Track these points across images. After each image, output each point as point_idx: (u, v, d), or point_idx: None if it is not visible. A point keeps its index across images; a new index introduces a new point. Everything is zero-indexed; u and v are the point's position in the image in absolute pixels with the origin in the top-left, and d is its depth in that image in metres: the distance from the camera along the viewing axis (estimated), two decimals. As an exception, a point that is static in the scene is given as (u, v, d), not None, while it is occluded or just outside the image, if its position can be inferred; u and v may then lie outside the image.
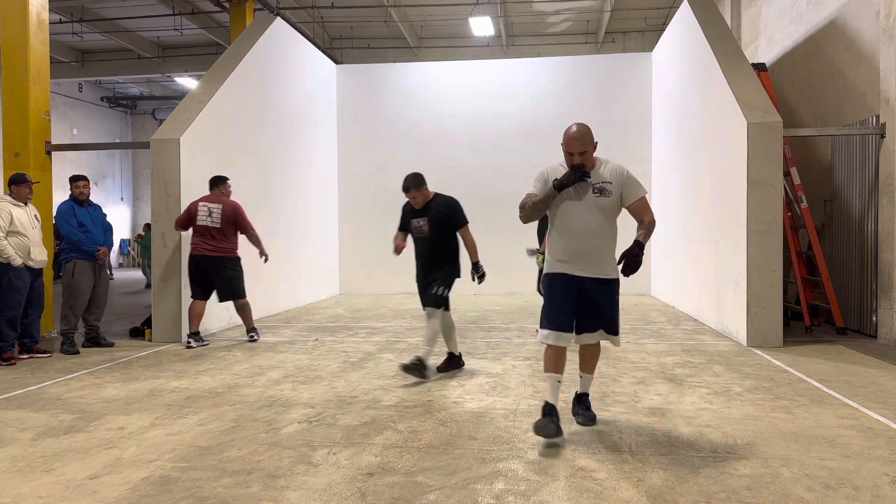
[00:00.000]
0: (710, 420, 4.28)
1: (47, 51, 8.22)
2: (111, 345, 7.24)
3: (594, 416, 4.24)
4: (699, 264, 8.84)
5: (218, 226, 7.18)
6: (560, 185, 3.82)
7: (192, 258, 7.24)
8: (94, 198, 7.84)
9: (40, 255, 6.63)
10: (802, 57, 9.61)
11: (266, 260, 7.64)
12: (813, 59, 9.27)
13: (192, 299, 7.29)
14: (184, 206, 7.52)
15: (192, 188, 7.75)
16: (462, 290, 12.70)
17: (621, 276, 3.94)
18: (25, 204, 6.67)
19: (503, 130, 12.94)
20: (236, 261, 7.38)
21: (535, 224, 7.73)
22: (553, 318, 3.90)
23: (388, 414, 4.49)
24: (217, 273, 7.22)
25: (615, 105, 12.64)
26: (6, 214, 6.38)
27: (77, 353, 6.85)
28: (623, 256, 3.81)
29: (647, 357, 6.40)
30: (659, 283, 11.78)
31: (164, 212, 7.59)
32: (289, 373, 5.84)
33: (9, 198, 6.59)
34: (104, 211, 7.64)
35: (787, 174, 8.08)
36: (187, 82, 19.68)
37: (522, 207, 3.97)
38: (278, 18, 10.76)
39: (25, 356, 6.62)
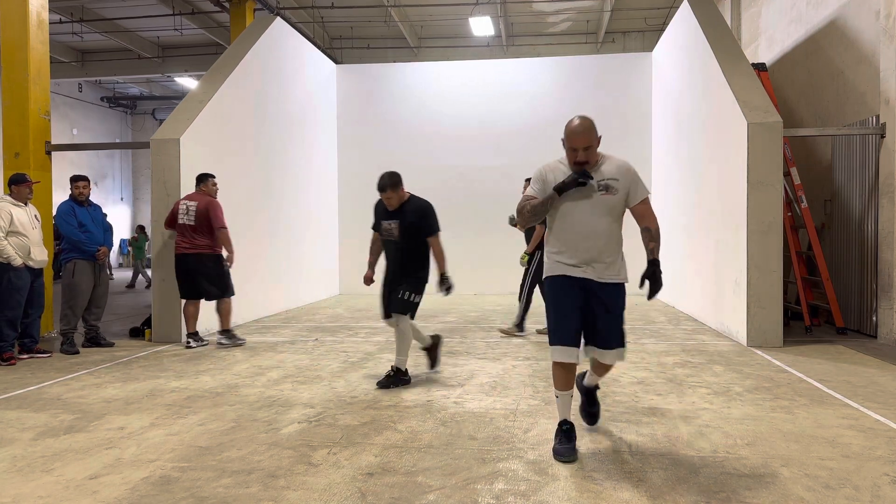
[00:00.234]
0: (710, 420, 4.28)
1: (47, 51, 8.22)
2: (111, 345, 7.24)
3: (598, 408, 4.13)
4: (699, 264, 8.84)
5: (193, 223, 7.06)
6: (561, 188, 3.56)
7: (175, 257, 7.21)
8: (94, 198, 7.84)
9: (40, 255, 6.63)
10: (802, 57, 9.61)
11: (230, 264, 7.30)
12: (813, 59, 9.27)
13: (183, 300, 7.28)
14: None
15: (192, 188, 7.75)
16: (462, 290, 12.76)
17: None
18: (25, 204, 6.67)
19: (503, 130, 12.95)
20: (215, 258, 7.16)
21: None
22: (556, 328, 3.65)
23: (388, 414, 4.49)
24: (197, 271, 7.11)
25: (615, 105, 12.64)
26: (6, 214, 6.38)
27: (77, 353, 6.85)
28: (644, 279, 3.55)
29: (647, 357, 6.40)
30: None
31: (165, 212, 7.58)
32: (289, 373, 5.84)
33: (9, 198, 6.59)
34: (104, 211, 7.64)
35: (787, 174, 8.08)
36: (187, 82, 19.68)
37: (520, 212, 3.71)
38: (278, 18, 10.76)
39: (25, 356, 6.62)
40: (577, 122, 3.62)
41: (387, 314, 5.40)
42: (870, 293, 7.57)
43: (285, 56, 10.92)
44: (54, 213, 7.51)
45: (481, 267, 12.59)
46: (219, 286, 7.22)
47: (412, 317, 5.38)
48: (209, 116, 8.31)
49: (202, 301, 7.29)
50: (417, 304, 5.36)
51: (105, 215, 7.50)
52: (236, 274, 8.83)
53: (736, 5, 12.30)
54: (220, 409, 4.65)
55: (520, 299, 7.80)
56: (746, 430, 4.07)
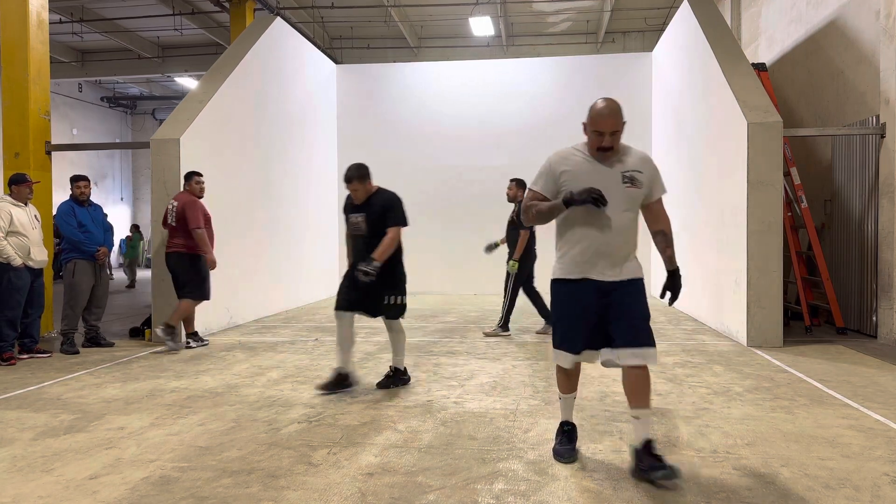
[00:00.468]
0: (710, 420, 4.28)
1: (47, 51, 8.22)
2: (111, 345, 7.24)
3: (676, 468, 3.18)
4: (699, 264, 8.84)
5: (174, 223, 7.02)
6: (569, 202, 3.22)
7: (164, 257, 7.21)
8: (94, 198, 7.83)
9: (40, 255, 6.63)
10: (802, 57, 9.61)
11: (212, 266, 7.11)
12: (813, 59, 9.27)
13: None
14: (183, 207, 7.55)
15: (192, 188, 7.76)
16: (462, 290, 12.75)
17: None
18: (25, 204, 6.67)
19: (503, 130, 12.95)
20: (189, 258, 6.99)
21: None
22: (564, 337, 3.41)
23: (388, 414, 4.49)
24: (174, 270, 7.07)
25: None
26: (6, 214, 6.38)
27: (77, 353, 6.85)
28: (666, 290, 3.42)
29: (647, 357, 6.39)
30: (659, 283, 11.77)
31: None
32: (289, 373, 5.84)
33: (9, 198, 6.60)
34: (104, 211, 7.64)
35: (787, 174, 8.09)
36: (187, 82, 19.68)
37: (526, 212, 3.42)
38: (278, 18, 10.76)
39: (25, 356, 6.62)
40: (603, 103, 3.29)
41: (346, 307, 5.11)
42: (870, 293, 7.57)
43: (285, 56, 10.92)
44: (54, 213, 7.51)
45: (481, 267, 12.55)
46: (190, 286, 7.04)
47: (403, 316, 5.30)
48: (209, 116, 8.31)
49: (204, 301, 7.27)
50: (406, 304, 5.26)
51: (106, 215, 7.50)
52: (237, 274, 8.85)
53: (736, 5, 12.30)
54: (220, 409, 4.65)
55: (504, 299, 7.79)
56: (746, 430, 4.07)
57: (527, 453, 3.68)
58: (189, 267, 7.02)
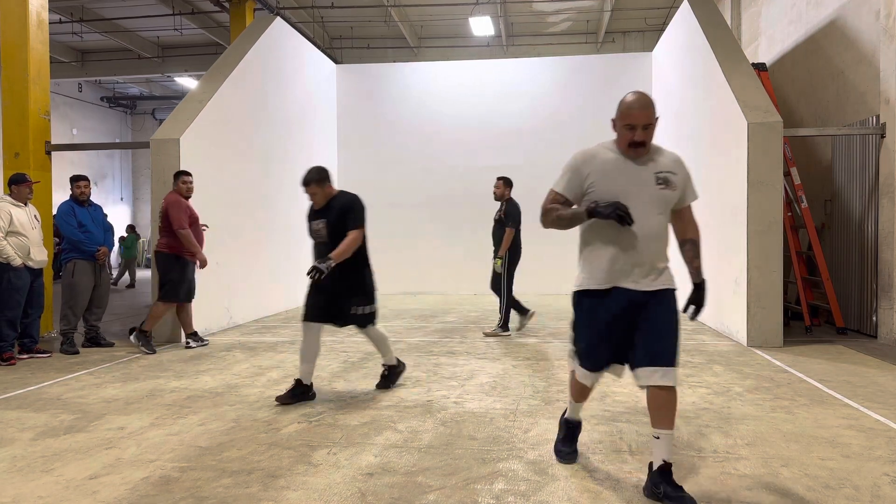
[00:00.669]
0: (710, 420, 4.28)
1: (47, 51, 8.22)
2: (111, 345, 7.24)
3: (693, 500, 2.93)
4: (699, 264, 8.83)
5: (160, 223, 7.02)
6: (594, 213, 2.96)
7: None
8: (94, 198, 7.82)
9: (40, 255, 6.63)
10: (802, 57, 9.61)
11: (202, 265, 7.04)
12: (813, 59, 9.27)
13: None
14: (183, 206, 7.54)
15: (193, 188, 7.74)
16: (462, 290, 12.75)
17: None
18: (25, 204, 6.67)
19: (503, 130, 12.95)
20: (173, 259, 6.90)
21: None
22: (587, 354, 3.18)
23: (388, 414, 4.49)
24: (157, 270, 7.04)
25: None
26: (6, 214, 6.38)
27: (77, 353, 6.85)
28: (690, 303, 3.14)
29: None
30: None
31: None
32: (289, 373, 5.84)
33: (9, 198, 6.59)
34: (104, 211, 7.64)
35: (787, 174, 8.08)
36: (187, 82, 19.67)
37: (545, 214, 3.16)
38: (278, 18, 10.76)
39: (25, 356, 6.62)
40: (634, 95, 3.07)
41: (314, 318, 4.86)
42: (870, 293, 7.57)
43: (285, 56, 10.92)
44: (54, 213, 7.51)
45: (481, 267, 12.55)
46: (165, 287, 6.93)
47: (374, 324, 5.10)
48: (209, 116, 8.31)
49: (179, 303, 7.15)
50: (376, 311, 5.07)
51: (106, 215, 7.50)
52: (237, 274, 8.85)
53: (736, 5, 12.30)
54: (220, 409, 4.64)
55: (500, 301, 7.78)
56: (746, 430, 4.07)
57: (527, 453, 3.67)
58: (169, 268, 6.92)
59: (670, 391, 3.01)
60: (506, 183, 7.79)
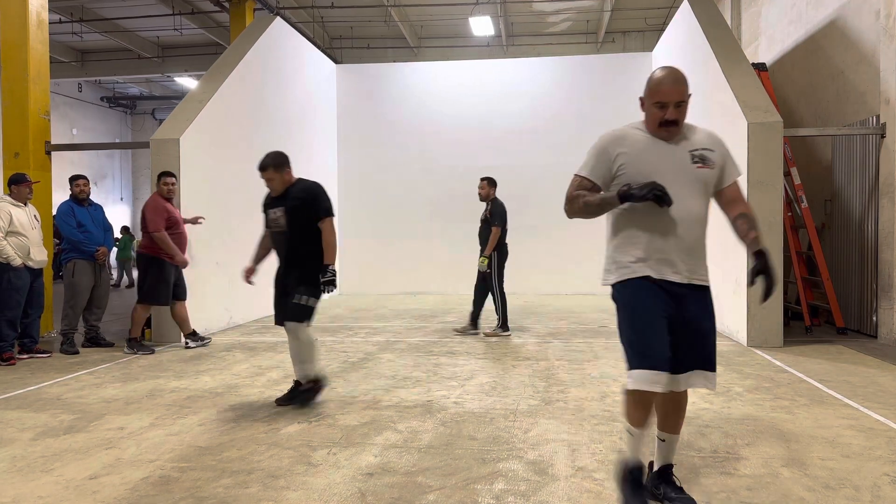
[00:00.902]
0: (710, 420, 4.28)
1: (47, 51, 8.22)
2: (111, 345, 7.23)
3: (692, 499, 2.88)
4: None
5: (141, 225, 6.96)
6: (626, 196, 2.68)
7: None
8: (93, 198, 7.82)
9: (40, 255, 6.63)
10: (802, 57, 9.61)
11: (183, 266, 6.94)
12: (813, 59, 9.27)
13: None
14: (183, 206, 7.52)
15: (192, 188, 7.75)
16: (462, 290, 12.74)
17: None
18: (25, 204, 6.67)
19: (503, 130, 12.95)
20: (152, 261, 6.79)
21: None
22: (645, 348, 2.70)
23: (388, 414, 4.49)
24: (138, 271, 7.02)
25: (615, 105, 12.61)
26: (6, 215, 6.38)
27: (77, 353, 6.85)
28: (757, 274, 2.68)
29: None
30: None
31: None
32: (289, 373, 5.83)
33: (8, 198, 6.60)
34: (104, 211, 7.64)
35: (787, 174, 8.08)
36: (187, 82, 19.68)
37: (571, 201, 2.86)
38: (278, 18, 10.76)
39: (25, 356, 6.62)
40: (664, 70, 2.81)
41: (280, 321, 4.69)
42: (870, 293, 7.57)
43: (285, 56, 10.92)
44: (54, 213, 7.51)
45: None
46: (144, 290, 6.85)
47: (308, 322, 4.66)
48: (209, 116, 8.31)
49: (158, 306, 7.11)
50: (313, 309, 4.67)
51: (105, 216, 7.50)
52: (237, 274, 8.82)
53: (736, 5, 12.30)
54: (220, 409, 4.64)
55: (494, 301, 7.76)
56: (746, 430, 4.07)
57: (527, 453, 3.67)
58: (147, 270, 6.82)
59: (685, 396, 2.92)
60: (490, 183, 7.82)
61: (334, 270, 4.60)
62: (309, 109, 11.95)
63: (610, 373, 5.70)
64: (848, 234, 8.14)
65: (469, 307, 8.04)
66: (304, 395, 4.70)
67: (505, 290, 7.81)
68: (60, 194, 7.97)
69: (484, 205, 7.95)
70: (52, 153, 8.33)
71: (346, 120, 13.37)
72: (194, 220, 7.51)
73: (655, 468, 3.03)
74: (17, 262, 6.38)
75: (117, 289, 15.68)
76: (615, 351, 6.70)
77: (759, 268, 2.68)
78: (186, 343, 7.14)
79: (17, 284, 6.42)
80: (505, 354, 6.63)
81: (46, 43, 8.24)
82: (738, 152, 7.14)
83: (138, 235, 8.48)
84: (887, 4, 7.22)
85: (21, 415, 4.59)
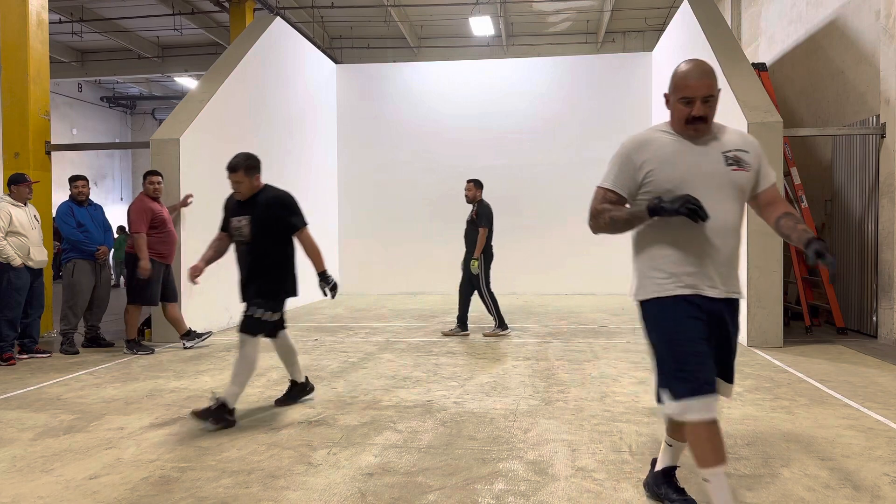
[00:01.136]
0: (711, 420, 4.28)
1: (47, 51, 8.22)
2: (111, 345, 7.23)
3: (693, 501, 2.85)
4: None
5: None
6: (657, 210, 2.44)
7: None
8: (93, 197, 7.82)
9: (40, 255, 6.63)
10: (802, 57, 9.61)
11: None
12: (813, 59, 9.27)
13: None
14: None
15: (192, 188, 7.75)
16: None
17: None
18: (25, 204, 6.67)
19: (503, 130, 12.95)
20: (132, 259, 6.75)
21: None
22: (689, 372, 2.47)
23: (388, 414, 4.49)
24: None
25: (615, 105, 12.64)
26: (5, 215, 6.38)
27: (77, 353, 6.84)
28: (817, 255, 2.41)
29: (647, 357, 6.39)
30: (619, 283, 11.77)
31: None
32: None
33: (8, 198, 6.59)
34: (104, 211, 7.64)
35: (787, 174, 8.08)
36: (187, 82, 19.67)
37: (595, 217, 2.63)
38: (278, 18, 10.76)
39: (25, 356, 6.62)
40: (689, 63, 2.56)
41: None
42: (870, 293, 7.57)
43: (285, 56, 10.92)
44: (54, 213, 7.50)
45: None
46: (133, 290, 6.82)
47: (282, 327, 4.58)
48: (209, 116, 8.31)
49: (149, 306, 7.07)
50: (273, 322, 4.48)
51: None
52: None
53: (736, 5, 12.30)
54: (220, 409, 4.64)
55: (485, 304, 7.75)
56: (746, 430, 4.07)
57: (527, 453, 3.67)
58: (135, 270, 6.75)
59: None
60: (476, 185, 7.85)
61: (331, 275, 4.55)
62: (309, 109, 11.95)
63: (609, 373, 5.70)
64: (848, 234, 8.14)
65: (469, 308, 8.01)
66: (213, 413, 4.19)
67: (493, 290, 7.80)
68: (60, 194, 7.97)
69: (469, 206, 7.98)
70: (52, 153, 8.33)
71: (346, 120, 13.38)
72: (185, 202, 7.49)
73: (658, 468, 3.01)
74: (18, 262, 6.38)
75: (117, 288, 15.68)
76: (615, 351, 6.71)
77: (817, 248, 2.42)
78: (183, 344, 7.09)
79: (17, 284, 6.42)
80: (505, 354, 6.63)
81: (46, 43, 8.24)
82: (738, 152, 7.14)
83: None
84: (887, 4, 7.22)
85: (21, 415, 4.59)
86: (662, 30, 13.65)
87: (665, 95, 2.64)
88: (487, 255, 7.73)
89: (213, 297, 8.16)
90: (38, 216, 6.84)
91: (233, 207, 4.47)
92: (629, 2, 14.71)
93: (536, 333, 7.94)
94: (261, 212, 4.35)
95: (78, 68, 18.68)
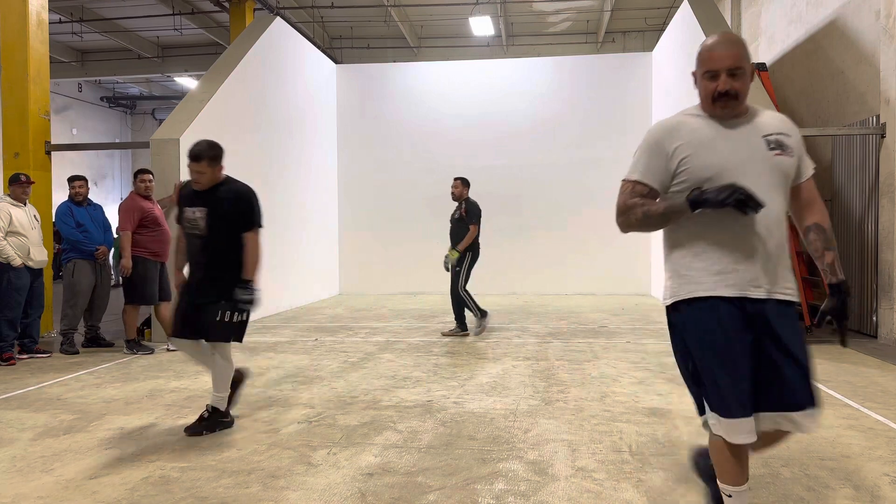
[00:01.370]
0: (710, 420, 4.28)
1: (47, 51, 8.22)
2: (111, 345, 7.23)
3: None
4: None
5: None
6: (699, 202, 2.18)
7: None
8: (93, 197, 7.82)
9: (39, 255, 6.63)
10: (802, 57, 9.61)
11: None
12: (813, 59, 9.27)
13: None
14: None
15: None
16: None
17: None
18: (24, 204, 6.67)
19: (503, 130, 12.95)
20: (132, 260, 6.70)
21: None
22: (727, 392, 2.21)
23: (388, 414, 4.49)
24: None
25: (615, 105, 12.64)
26: (5, 215, 6.38)
27: (77, 353, 6.85)
28: (826, 315, 2.30)
29: (647, 357, 6.40)
30: (659, 283, 11.77)
31: (165, 213, 7.58)
32: (289, 373, 5.84)
33: (8, 198, 6.60)
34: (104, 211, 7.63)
35: (787, 174, 8.08)
36: (187, 82, 19.67)
37: (625, 213, 2.32)
38: (278, 18, 10.76)
39: (25, 356, 6.62)
40: (715, 35, 2.34)
41: (182, 333, 4.12)
42: (870, 293, 7.57)
43: (285, 56, 10.92)
44: (54, 213, 7.50)
45: (480, 267, 12.57)
46: (129, 290, 6.80)
47: (240, 338, 4.17)
48: (209, 116, 8.31)
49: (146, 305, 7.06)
50: (245, 323, 4.16)
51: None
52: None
53: (736, 5, 12.29)
54: (220, 409, 4.64)
55: (457, 300, 7.77)
56: (746, 430, 4.07)
57: (527, 453, 3.67)
58: (132, 270, 6.71)
59: (780, 435, 2.42)
60: (463, 183, 7.93)
61: (254, 290, 4.05)
62: (309, 109, 11.95)
63: (609, 373, 5.70)
64: (848, 234, 8.14)
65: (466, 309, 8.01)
66: (205, 422, 4.11)
67: (469, 290, 7.84)
68: (60, 194, 7.96)
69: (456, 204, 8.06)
70: (52, 153, 8.33)
71: (346, 120, 13.37)
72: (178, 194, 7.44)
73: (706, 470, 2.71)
74: (17, 262, 6.38)
75: (117, 288, 15.68)
76: (615, 351, 6.71)
77: (832, 307, 2.26)
78: (167, 347, 6.92)
79: (17, 284, 6.42)
80: (505, 354, 6.63)
81: (46, 43, 8.24)
82: (738, 152, 7.14)
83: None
84: (887, 4, 7.22)
85: (21, 415, 4.59)
86: (662, 30, 13.65)
87: (693, 74, 2.39)
88: (473, 254, 7.77)
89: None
90: (38, 216, 6.84)
91: (189, 197, 4.12)
92: (629, 2, 14.71)
93: (536, 333, 7.94)
94: (220, 206, 4.04)
95: (78, 68, 18.68)
